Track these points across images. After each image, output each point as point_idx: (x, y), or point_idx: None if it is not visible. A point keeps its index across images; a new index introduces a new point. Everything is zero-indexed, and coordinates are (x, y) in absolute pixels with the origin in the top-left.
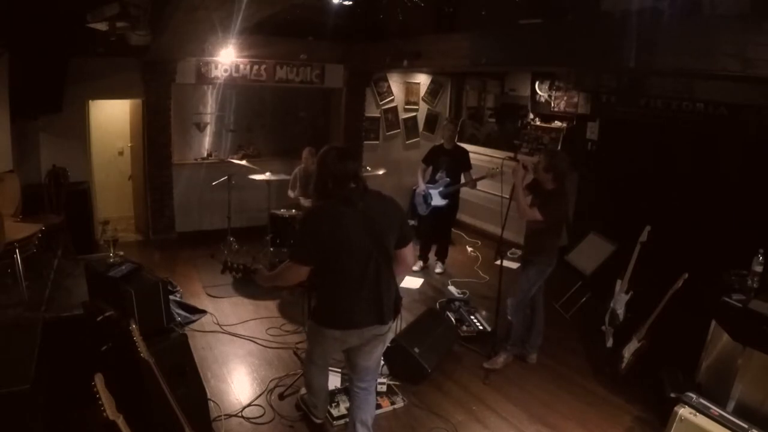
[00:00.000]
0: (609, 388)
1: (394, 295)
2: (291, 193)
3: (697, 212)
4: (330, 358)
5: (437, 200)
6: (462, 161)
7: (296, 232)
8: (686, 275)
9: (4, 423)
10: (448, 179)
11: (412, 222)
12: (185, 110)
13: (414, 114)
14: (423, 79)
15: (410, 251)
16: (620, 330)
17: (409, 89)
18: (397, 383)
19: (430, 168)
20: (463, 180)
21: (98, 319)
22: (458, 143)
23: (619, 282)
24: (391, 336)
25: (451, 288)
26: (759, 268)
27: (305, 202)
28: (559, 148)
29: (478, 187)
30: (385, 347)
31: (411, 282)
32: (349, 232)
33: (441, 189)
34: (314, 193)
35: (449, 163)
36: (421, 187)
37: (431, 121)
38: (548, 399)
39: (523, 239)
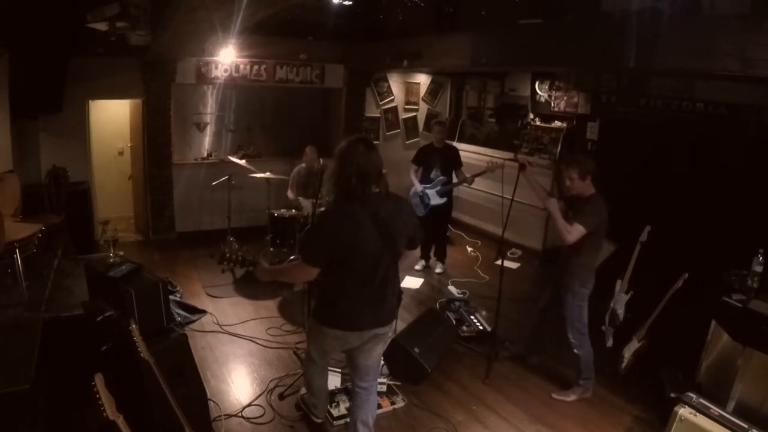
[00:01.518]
0: (609, 388)
1: (397, 295)
2: (290, 194)
3: (697, 212)
4: (330, 358)
5: (435, 199)
6: (453, 159)
7: (310, 231)
8: (686, 275)
9: (4, 423)
10: (444, 177)
11: None
12: (185, 110)
13: (414, 114)
14: (423, 79)
15: (417, 251)
16: (620, 330)
17: (409, 89)
18: (397, 383)
19: (421, 168)
20: (455, 177)
21: (98, 319)
22: (455, 142)
23: (619, 282)
24: (390, 335)
25: (451, 288)
26: (759, 268)
27: (305, 203)
28: (558, 148)
29: (478, 188)
30: (385, 346)
31: (411, 282)
32: (363, 236)
33: (438, 188)
34: (335, 189)
35: (441, 162)
36: (418, 188)
37: (431, 121)
38: (548, 399)
39: (523, 239)
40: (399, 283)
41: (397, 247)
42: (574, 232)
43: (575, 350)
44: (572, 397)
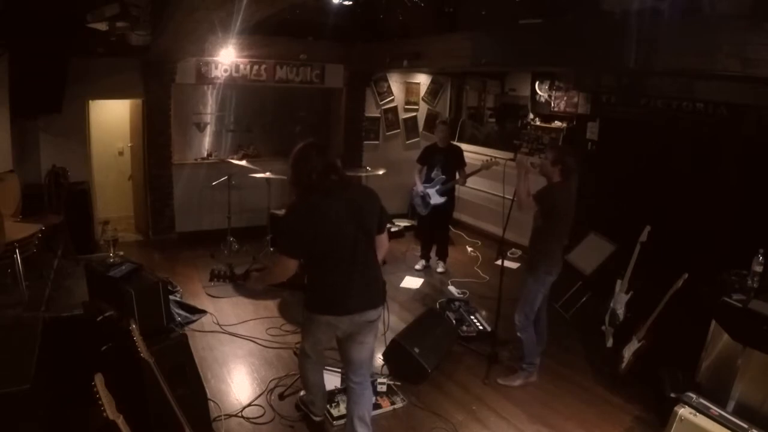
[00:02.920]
0: (609, 388)
1: (381, 279)
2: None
3: (697, 212)
4: (323, 350)
5: (436, 198)
6: (456, 158)
7: (281, 225)
8: (686, 275)
9: (4, 423)
10: (444, 177)
11: (412, 222)
12: (185, 110)
13: (414, 114)
14: (423, 79)
15: (386, 236)
16: (620, 330)
17: (409, 89)
18: (397, 383)
19: (425, 168)
20: (458, 177)
21: (98, 319)
22: (455, 142)
23: (619, 282)
24: (381, 328)
25: (451, 288)
26: (759, 268)
27: None
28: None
29: (479, 188)
30: (377, 338)
31: (411, 282)
32: (334, 220)
33: (438, 187)
34: (298, 186)
35: (444, 161)
36: (419, 188)
37: (431, 121)
38: (548, 399)
39: (523, 239)
40: (380, 270)
41: (369, 227)
42: (526, 202)
43: (518, 333)
44: (517, 382)
